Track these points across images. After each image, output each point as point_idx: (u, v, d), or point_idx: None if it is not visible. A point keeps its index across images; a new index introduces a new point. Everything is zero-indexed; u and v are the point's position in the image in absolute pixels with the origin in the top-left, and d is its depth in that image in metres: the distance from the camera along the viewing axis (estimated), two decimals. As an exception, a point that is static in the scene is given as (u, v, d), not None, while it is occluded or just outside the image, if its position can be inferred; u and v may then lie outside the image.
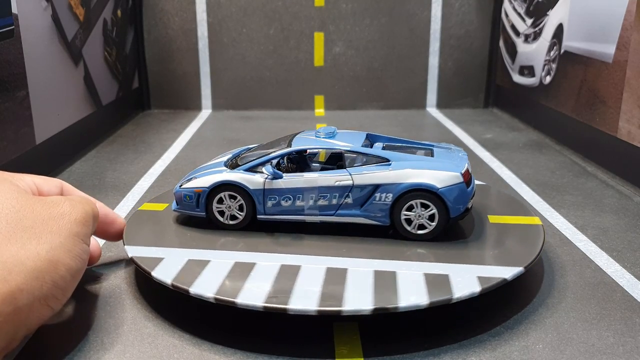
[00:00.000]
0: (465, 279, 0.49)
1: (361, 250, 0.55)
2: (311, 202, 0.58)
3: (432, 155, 0.60)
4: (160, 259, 0.53)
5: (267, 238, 0.58)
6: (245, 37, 1.39)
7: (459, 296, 0.46)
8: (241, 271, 0.51)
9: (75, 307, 0.52)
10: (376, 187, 0.56)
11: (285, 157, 0.63)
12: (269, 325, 0.49)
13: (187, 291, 0.48)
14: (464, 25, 1.39)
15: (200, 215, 0.60)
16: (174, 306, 0.52)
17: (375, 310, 0.45)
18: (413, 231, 0.57)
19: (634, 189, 0.81)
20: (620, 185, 0.84)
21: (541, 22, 1.16)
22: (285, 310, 0.45)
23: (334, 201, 0.58)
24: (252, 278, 0.50)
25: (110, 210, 0.59)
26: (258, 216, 0.59)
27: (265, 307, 0.45)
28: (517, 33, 1.27)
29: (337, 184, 0.57)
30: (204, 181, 0.60)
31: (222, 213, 0.60)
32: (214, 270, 0.51)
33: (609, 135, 0.89)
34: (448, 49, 1.40)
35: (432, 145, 0.64)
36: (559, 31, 1.08)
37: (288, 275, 0.50)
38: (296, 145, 0.60)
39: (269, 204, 0.58)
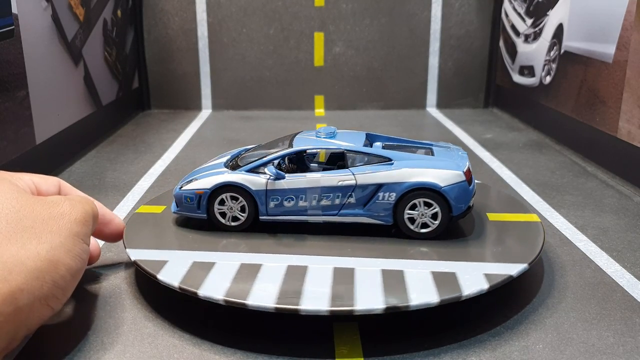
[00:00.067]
0: (473, 276, 0.49)
1: (365, 249, 0.55)
2: (314, 202, 0.58)
3: (432, 154, 0.60)
4: (164, 262, 0.52)
5: (270, 239, 0.58)
6: (245, 37, 1.39)
7: (468, 293, 0.46)
8: (248, 273, 0.51)
9: (75, 307, 0.52)
10: (379, 187, 0.56)
11: (286, 158, 0.63)
12: (269, 326, 0.49)
13: (196, 294, 0.47)
14: (464, 25, 1.39)
15: (201, 217, 0.60)
16: (174, 306, 0.52)
17: (387, 309, 0.45)
18: (416, 230, 0.57)
19: (634, 189, 0.81)
20: (620, 185, 0.84)
21: (541, 22, 1.16)
22: (297, 311, 0.45)
23: (337, 201, 0.57)
24: (260, 279, 0.49)
25: (108, 211, 0.58)
26: (260, 217, 0.59)
27: (277, 309, 0.45)
28: (517, 33, 1.27)
29: (340, 183, 0.57)
30: (205, 182, 0.59)
31: (223, 215, 0.59)
32: (221, 272, 0.50)
33: (609, 135, 0.89)
34: (448, 49, 1.40)
35: (431, 145, 0.64)
36: (559, 31, 1.08)
37: (296, 275, 0.50)
38: (297, 146, 0.60)
39: (272, 204, 0.58)
